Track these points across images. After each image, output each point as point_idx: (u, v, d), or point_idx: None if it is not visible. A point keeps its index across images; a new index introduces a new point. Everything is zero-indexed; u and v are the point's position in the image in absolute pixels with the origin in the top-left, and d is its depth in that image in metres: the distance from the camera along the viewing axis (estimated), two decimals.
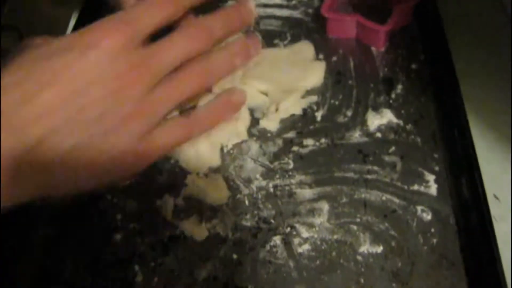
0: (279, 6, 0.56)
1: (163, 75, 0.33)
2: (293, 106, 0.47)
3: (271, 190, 0.42)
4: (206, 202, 0.42)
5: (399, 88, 0.48)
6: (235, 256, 0.39)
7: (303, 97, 0.48)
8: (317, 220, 0.40)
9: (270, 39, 0.53)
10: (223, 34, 0.36)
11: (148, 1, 0.34)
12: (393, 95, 0.47)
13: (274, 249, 0.39)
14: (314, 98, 0.48)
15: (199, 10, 0.37)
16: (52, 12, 0.56)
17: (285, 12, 0.56)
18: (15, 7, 0.56)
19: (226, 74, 0.37)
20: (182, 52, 0.34)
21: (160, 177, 0.44)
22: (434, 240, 0.39)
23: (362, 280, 0.37)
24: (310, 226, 0.40)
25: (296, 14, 0.55)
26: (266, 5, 0.56)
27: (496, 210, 0.38)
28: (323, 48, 0.51)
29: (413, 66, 0.49)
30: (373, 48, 0.51)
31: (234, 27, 0.37)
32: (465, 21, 0.49)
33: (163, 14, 0.34)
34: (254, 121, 0.47)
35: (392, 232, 0.40)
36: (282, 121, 0.46)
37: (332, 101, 0.48)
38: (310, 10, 0.55)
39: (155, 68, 0.33)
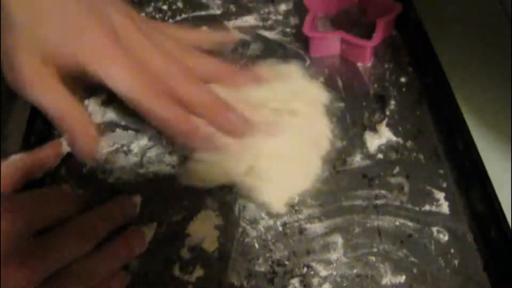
0: (256, 27, 0.54)
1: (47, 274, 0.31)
2: None
3: (280, 228, 0.40)
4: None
5: (392, 104, 0.46)
6: None
7: None
8: (333, 256, 0.39)
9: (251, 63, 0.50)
10: (106, 232, 0.36)
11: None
12: (387, 112, 0.46)
13: None
14: None
15: None
16: None
17: (262, 34, 0.53)
18: None
19: (107, 274, 0.35)
20: (66, 256, 0.32)
21: (159, 229, 0.41)
22: (456, 262, 0.38)
23: None
24: (327, 263, 0.38)
25: (273, 35, 0.53)
26: (240, 28, 0.54)
27: None
28: (308, 69, 0.49)
29: (403, 79, 0.48)
30: (359, 64, 0.49)
31: (117, 223, 0.38)
32: (450, 25, 0.48)
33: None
34: None
35: (412, 259, 0.38)
36: None
37: None
38: (287, 30, 0.53)
39: (40, 268, 0.31)
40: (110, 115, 0.47)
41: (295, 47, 0.52)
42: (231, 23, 0.54)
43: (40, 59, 0.38)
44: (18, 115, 0.43)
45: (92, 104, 0.48)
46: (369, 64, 0.49)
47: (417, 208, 0.41)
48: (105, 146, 0.45)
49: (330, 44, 0.49)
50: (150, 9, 0.56)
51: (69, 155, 0.44)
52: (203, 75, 0.42)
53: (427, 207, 0.41)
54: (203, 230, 0.40)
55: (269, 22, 0.54)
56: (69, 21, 0.38)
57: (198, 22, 0.54)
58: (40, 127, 0.45)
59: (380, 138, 0.44)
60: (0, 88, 0.41)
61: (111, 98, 0.48)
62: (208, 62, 0.43)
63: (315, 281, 0.37)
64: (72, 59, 0.38)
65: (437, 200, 0.41)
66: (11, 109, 0.43)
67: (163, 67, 0.40)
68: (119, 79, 0.38)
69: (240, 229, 0.40)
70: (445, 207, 0.41)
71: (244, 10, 0.55)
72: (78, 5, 0.38)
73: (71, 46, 0.38)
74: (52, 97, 0.39)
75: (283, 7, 0.55)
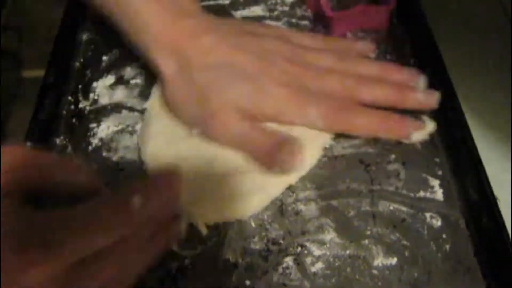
0: (262, 17, 0.55)
1: None
2: None
3: (276, 209, 0.41)
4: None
5: None
6: (248, 282, 0.38)
7: None
8: (327, 237, 0.40)
9: None
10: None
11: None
12: None
13: (287, 271, 0.38)
14: None
15: None
16: (52, 12, 0.55)
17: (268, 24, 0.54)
18: (15, 7, 0.55)
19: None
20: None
21: None
22: (447, 246, 0.39)
23: None
24: (321, 243, 0.39)
25: (279, 25, 0.54)
26: (248, 18, 0.55)
27: None
28: None
29: None
30: None
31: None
32: (454, 20, 0.49)
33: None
34: None
35: (404, 242, 0.39)
36: None
37: None
38: (293, 20, 0.54)
39: None
40: (117, 97, 0.49)
41: None
42: (238, 13, 0.55)
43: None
44: (19, 114, 0.44)
45: (100, 87, 0.49)
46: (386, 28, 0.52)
47: (411, 194, 0.41)
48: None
49: (351, 20, 0.51)
50: None
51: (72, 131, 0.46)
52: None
53: (421, 193, 0.41)
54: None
55: (276, 13, 0.55)
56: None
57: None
58: (42, 126, 0.46)
59: None
60: (1, 88, 0.42)
61: (118, 82, 0.50)
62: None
63: (308, 260, 0.38)
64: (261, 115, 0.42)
65: (432, 187, 0.42)
66: (12, 109, 0.45)
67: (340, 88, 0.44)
68: (310, 120, 0.43)
69: None
70: (439, 194, 0.41)
71: (251, 1, 0.56)
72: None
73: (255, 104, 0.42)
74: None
75: None
